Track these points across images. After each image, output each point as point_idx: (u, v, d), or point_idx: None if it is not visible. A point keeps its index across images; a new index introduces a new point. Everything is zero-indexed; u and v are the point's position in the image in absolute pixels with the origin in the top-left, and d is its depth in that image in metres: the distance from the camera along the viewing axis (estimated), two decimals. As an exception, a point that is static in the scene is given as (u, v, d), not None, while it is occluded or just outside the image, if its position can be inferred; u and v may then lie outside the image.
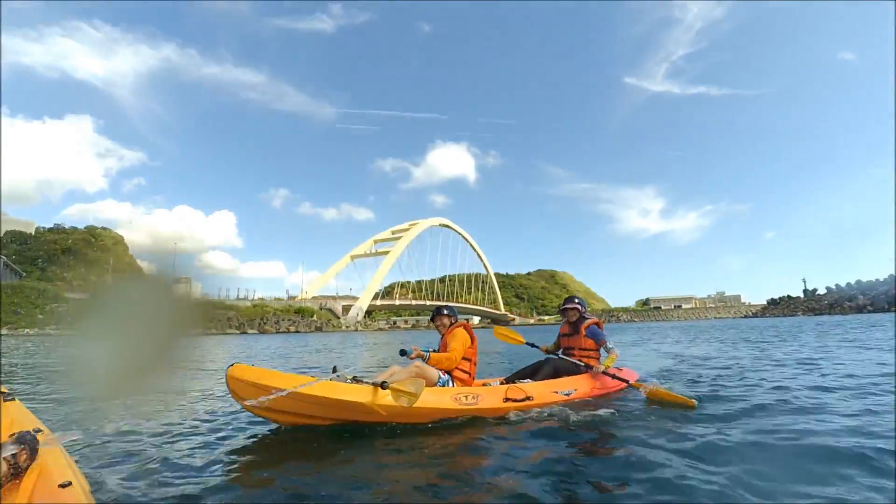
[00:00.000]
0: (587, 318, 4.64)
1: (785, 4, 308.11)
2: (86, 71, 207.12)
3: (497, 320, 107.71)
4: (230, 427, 3.40)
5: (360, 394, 3.11)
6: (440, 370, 3.77)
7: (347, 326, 73.98)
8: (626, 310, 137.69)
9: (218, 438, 3.10)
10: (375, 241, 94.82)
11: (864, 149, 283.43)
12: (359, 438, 3.01)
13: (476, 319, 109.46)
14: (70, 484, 1.45)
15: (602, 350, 4.49)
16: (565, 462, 2.48)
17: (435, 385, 3.65)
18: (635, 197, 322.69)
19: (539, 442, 2.87)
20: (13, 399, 2.35)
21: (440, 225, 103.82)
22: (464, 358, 3.90)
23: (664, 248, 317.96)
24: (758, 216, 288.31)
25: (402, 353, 3.88)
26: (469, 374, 3.92)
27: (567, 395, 3.93)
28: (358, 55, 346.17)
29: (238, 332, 60.62)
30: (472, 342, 4.01)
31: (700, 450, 2.56)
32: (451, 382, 3.79)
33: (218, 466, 2.51)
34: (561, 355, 4.63)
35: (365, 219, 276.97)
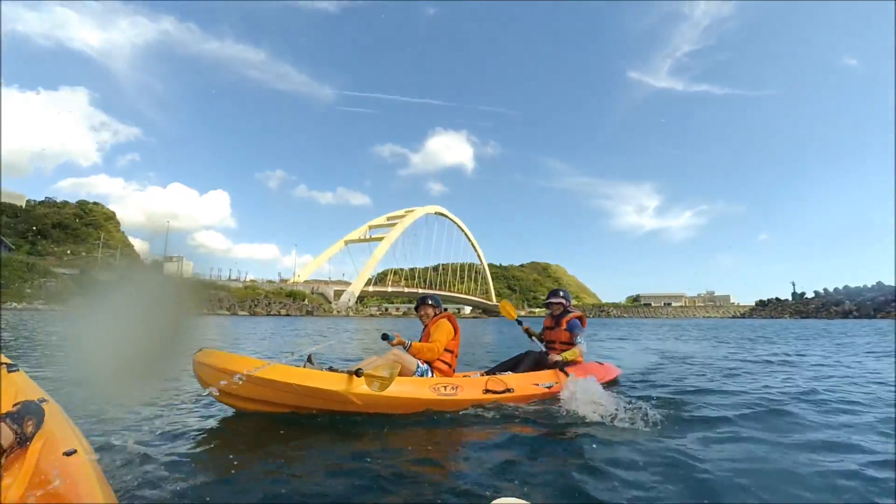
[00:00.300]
0: (570, 312, 4.66)
1: (792, 5, 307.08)
2: (82, 41, 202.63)
3: (488, 311, 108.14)
4: (199, 413, 3.38)
5: (334, 382, 3.07)
6: (421, 360, 3.75)
7: (339, 311, 73.88)
8: (616, 305, 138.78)
9: (185, 423, 3.08)
10: (370, 227, 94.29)
11: (862, 157, 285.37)
12: (332, 427, 2.98)
13: (467, 309, 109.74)
14: (75, 452, 1.49)
15: (579, 338, 4.47)
16: (541, 455, 2.50)
17: (413, 375, 3.62)
18: (632, 193, 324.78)
19: (517, 434, 2.87)
20: (17, 370, 2.35)
21: (436, 213, 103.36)
22: (446, 349, 3.87)
23: (658, 245, 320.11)
24: (753, 217, 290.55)
25: (384, 337, 3.84)
26: (450, 365, 3.91)
27: (548, 387, 3.94)
28: (360, 36, 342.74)
29: (228, 312, 60.38)
30: (456, 334, 3.99)
31: (677, 447, 2.59)
32: (430, 373, 3.76)
33: (192, 451, 2.51)
34: (543, 348, 4.65)
35: (361, 204, 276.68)
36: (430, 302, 4.18)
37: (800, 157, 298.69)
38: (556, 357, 4.29)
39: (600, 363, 5.11)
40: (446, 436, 2.92)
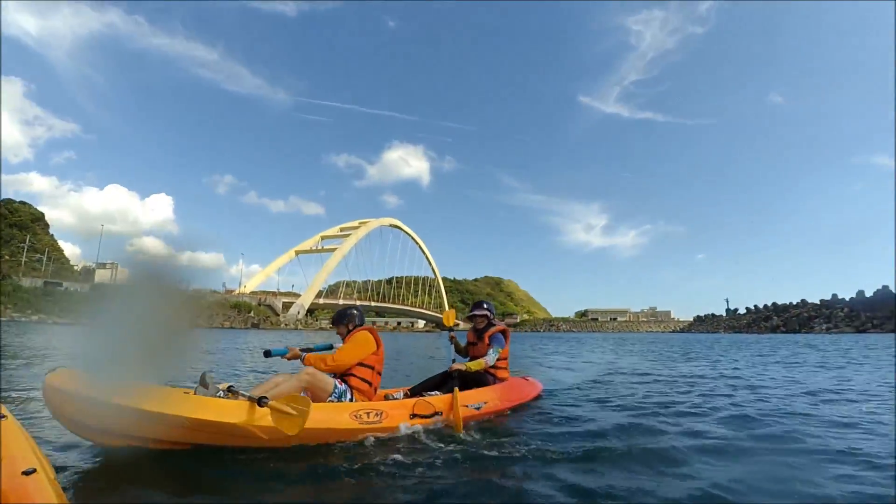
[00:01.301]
0: (494, 325, 4.52)
1: (727, 43, 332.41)
2: (18, 28, 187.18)
3: (442, 325, 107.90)
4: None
5: (232, 412, 2.60)
6: (335, 378, 3.43)
7: (287, 324, 71.48)
8: (565, 320, 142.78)
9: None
10: (323, 238, 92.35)
11: (785, 187, 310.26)
12: (231, 457, 2.62)
13: (421, 323, 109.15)
14: (34, 471, 1.42)
15: (490, 351, 4.32)
16: (471, 481, 2.38)
17: (329, 397, 3.31)
18: (581, 212, 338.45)
19: (445, 461, 2.66)
20: None
21: (391, 225, 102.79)
22: (365, 365, 3.56)
23: (605, 262, 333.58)
24: (691, 238, 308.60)
25: (267, 354, 3.39)
26: (371, 384, 3.59)
27: (477, 408, 3.83)
28: (319, 43, 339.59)
29: (167, 324, 56.95)
30: (378, 348, 3.66)
31: (607, 464, 2.66)
32: (348, 393, 3.44)
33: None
34: (456, 361, 4.46)
35: (314, 213, 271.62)
36: (354, 311, 3.85)
37: (733, 183, 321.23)
38: (458, 366, 4.09)
39: (525, 378, 5.08)
40: (367, 467, 2.55)
